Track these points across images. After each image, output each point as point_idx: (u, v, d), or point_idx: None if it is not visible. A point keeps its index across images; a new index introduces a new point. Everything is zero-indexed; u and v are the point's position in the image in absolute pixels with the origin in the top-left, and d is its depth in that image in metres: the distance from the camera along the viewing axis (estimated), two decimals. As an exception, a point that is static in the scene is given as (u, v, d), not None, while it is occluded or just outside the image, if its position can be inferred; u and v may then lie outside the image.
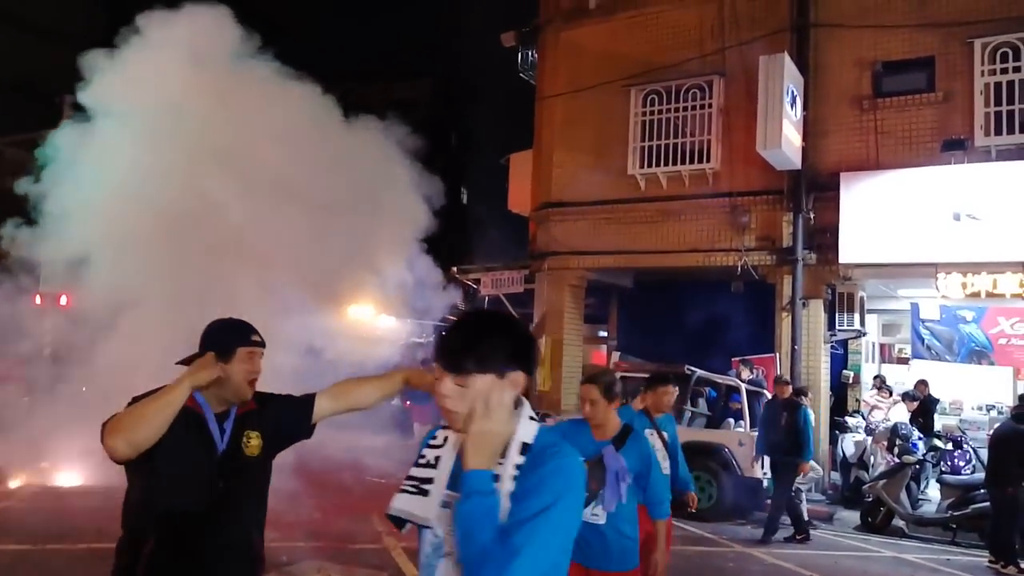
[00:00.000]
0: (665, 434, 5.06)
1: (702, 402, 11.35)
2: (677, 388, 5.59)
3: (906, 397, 11.21)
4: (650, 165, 13.18)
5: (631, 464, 3.64)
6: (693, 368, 10.48)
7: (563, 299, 13.86)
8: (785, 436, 8.88)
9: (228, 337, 2.60)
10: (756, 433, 9.86)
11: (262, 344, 2.67)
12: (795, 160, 11.64)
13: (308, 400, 2.69)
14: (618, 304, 15.51)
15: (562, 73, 14.36)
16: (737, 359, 12.10)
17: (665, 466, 4.71)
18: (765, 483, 9.98)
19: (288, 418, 2.67)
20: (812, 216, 12.00)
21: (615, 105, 13.43)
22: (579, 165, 13.72)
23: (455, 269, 15.95)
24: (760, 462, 9.89)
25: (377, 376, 2.89)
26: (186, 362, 2.56)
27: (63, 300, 11.60)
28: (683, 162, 12.96)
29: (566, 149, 14.04)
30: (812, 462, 9.31)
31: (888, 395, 12.23)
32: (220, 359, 2.51)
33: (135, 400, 2.46)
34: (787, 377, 10.18)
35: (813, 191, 11.97)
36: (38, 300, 11.67)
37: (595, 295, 14.88)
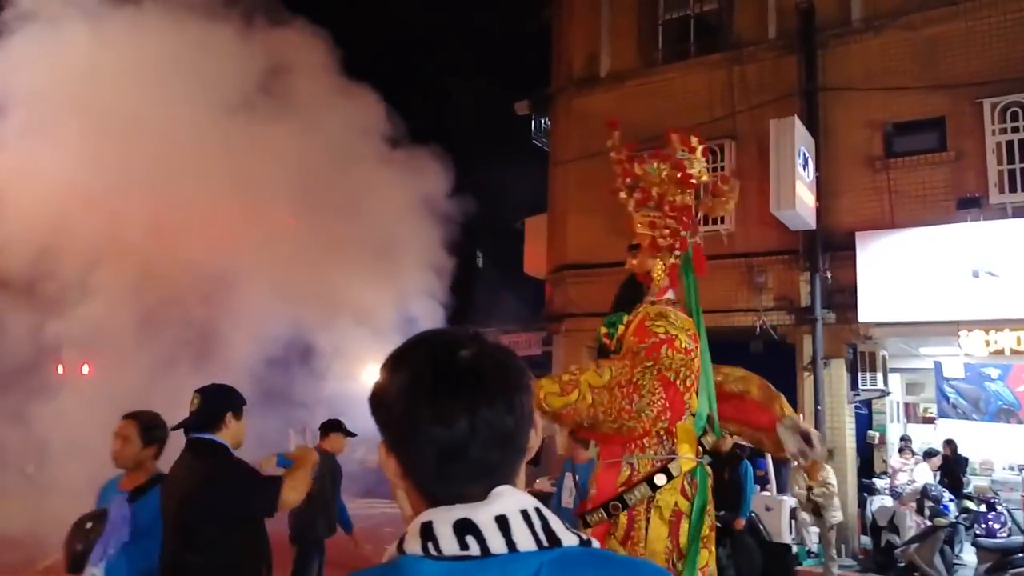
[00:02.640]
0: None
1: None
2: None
3: (927, 455, 11.00)
4: (665, 227, 13.24)
5: (142, 519, 3.22)
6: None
7: (581, 361, 13.77)
8: (727, 492, 8.02)
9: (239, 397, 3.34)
10: (784, 497, 9.68)
11: None
12: (810, 220, 11.69)
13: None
14: (636, 366, 15.41)
15: (574, 139, 14.58)
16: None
17: None
18: (795, 549, 9.75)
19: None
20: (829, 275, 11.99)
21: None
22: (594, 228, 13.81)
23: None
24: (790, 527, 9.70)
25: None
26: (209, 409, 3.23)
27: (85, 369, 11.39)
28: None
29: (580, 212, 14.16)
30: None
31: (910, 456, 12.02)
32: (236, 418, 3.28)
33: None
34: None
35: (829, 250, 11.99)
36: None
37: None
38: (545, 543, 1.01)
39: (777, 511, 9.69)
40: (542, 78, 16.00)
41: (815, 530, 9.98)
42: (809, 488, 9.62)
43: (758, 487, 10.54)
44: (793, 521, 9.94)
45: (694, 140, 3.67)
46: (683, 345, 3.24)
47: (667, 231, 3.52)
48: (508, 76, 17.75)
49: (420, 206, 15.50)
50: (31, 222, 8.02)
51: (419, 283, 15.33)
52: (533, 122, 16.89)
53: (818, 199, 11.90)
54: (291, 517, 6.32)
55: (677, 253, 3.57)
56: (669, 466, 3.08)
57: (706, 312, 12.26)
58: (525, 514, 1.02)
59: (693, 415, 3.27)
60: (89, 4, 8.70)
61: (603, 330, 3.48)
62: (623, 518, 3.05)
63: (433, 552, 0.99)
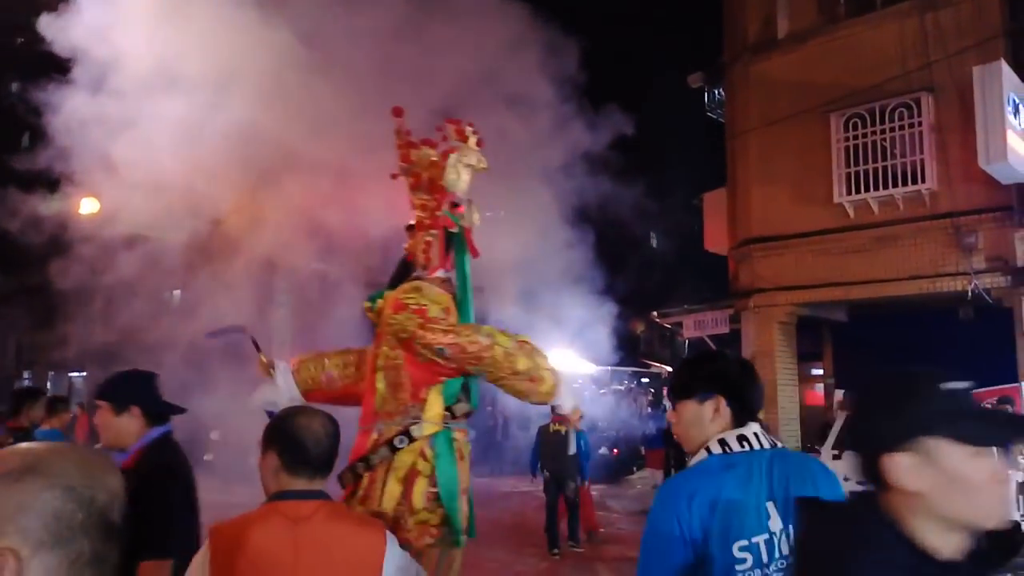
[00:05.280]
0: None
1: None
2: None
3: None
4: (858, 191, 12.58)
5: None
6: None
7: (772, 337, 13.40)
8: None
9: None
10: (1012, 471, 8.98)
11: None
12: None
13: None
14: (832, 339, 14.77)
15: (753, 107, 14.11)
16: (978, 391, 11.13)
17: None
18: (1026, 526, 9.03)
19: None
20: (1051, 231, 10.96)
21: (814, 133, 13.01)
22: (779, 198, 13.35)
23: (655, 314, 15.89)
24: (1018, 504, 9.00)
25: None
26: None
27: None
28: (895, 185, 12.27)
29: (764, 183, 13.70)
30: None
31: None
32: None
33: None
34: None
35: (1049, 203, 10.96)
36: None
37: (805, 332, 14.27)
38: (769, 446, 2.12)
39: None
40: (714, 48, 15.62)
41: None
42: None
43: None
44: (1021, 497, 9.22)
45: (468, 129, 3.81)
46: (432, 315, 3.36)
47: (427, 211, 3.70)
48: (677, 50, 17.46)
49: (590, 187, 15.61)
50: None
51: (586, 264, 15.48)
52: (707, 94, 16.49)
53: (1034, 148, 10.89)
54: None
55: (433, 232, 3.68)
56: (411, 429, 3.23)
57: (909, 279, 11.57)
58: (760, 432, 2.14)
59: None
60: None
61: (366, 305, 3.62)
62: (366, 479, 3.20)
63: (727, 450, 2.08)
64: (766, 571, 1.92)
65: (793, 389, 13.63)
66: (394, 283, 3.64)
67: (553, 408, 11.22)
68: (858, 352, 13.79)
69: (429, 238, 3.64)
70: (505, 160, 13.01)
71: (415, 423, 3.26)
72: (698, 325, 14.81)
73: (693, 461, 2.10)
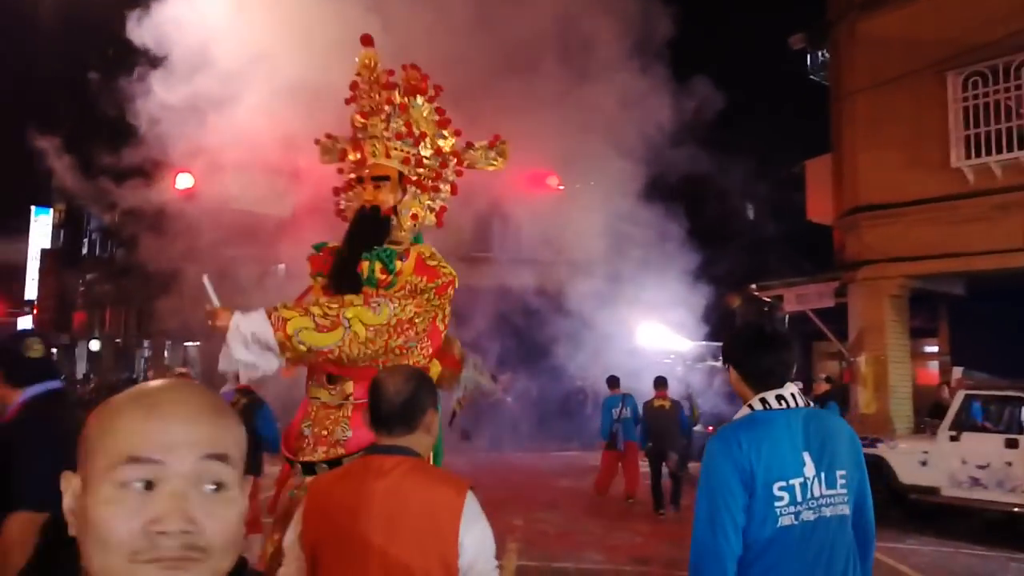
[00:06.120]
0: None
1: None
2: None
3: None
4: (978, 155, 11.69)
5: None
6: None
7: (882, 312, 12.67)
8: None
9: None
10: None
11: None
12: None
13: None
14: (948, 314, 13.91)
15: (861, 68, 13.29)
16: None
17: None
18: None
19: None
20: None
21: (928, 94, 12.15)
22: (890, 164, 12.54)
23: (753, 287, 15.32)
24: None
25: None
26: None
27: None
28: (1020, 148, 11.35)
29: (873, 148, 12.91)
30: None
31: None
32: None
33: None
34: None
35: None
36: None
37: (917, 306, 13.47)
38: (803, 405, 2.43)
39: None
40: (816, 6, 14.78)
41: None
42: None
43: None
44: None
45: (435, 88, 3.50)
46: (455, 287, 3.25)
47: (425, 171, 3.41)
48: (776, 10, 16.61)
49: (683, 158, 15.14)
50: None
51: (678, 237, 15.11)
52: (809, 56, 15.65)
53: None
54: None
55: (444, 196, 3.48)
56: None
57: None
58: (797, 393, 2.44)
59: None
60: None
61: (377, 265, 3.21)
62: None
63: (766, 407, 2.40)
64: (799, 508, 2.29)
65: (905, 367, 12.88)
66: (371, 239, 3.26)
67: (657, 383, 11.08)
68: (977, 329, 12.95)
69: (441, 202, 3.48)
70: (599, 130, 12.80)
71: None
72: (800, 299, 14.17)
73: (737, 415, 2.48)
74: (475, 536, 2.03)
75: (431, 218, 3.44)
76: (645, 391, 11.43)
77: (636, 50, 12.81)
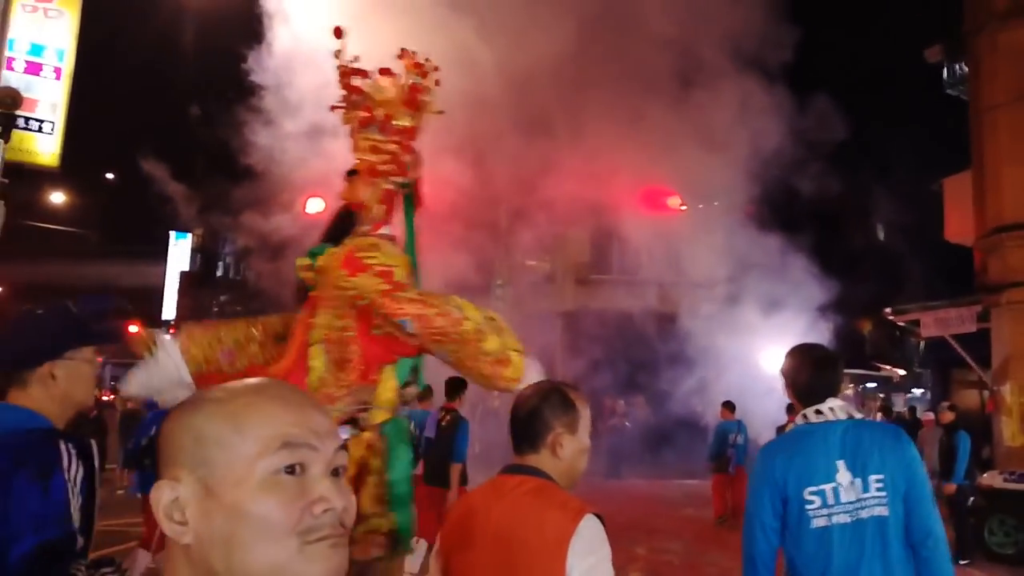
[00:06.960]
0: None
1: None
2: None
3: None
4: None
5: None
6: None
7: (1030, 338, 11.85)
8: (945, 459, 9.14)
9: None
10: None
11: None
12: None
13: None
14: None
15: (1003, 80, 12.60)
16: None
17: None
18: None
19: None
20: None
21: (1082, 105, 11.37)
22: (1038, 181, 11.78)
23: (888, 311, 14.63)
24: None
25: None
26: None
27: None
28: None
29: (1017, 164, 12.18)
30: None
31: None
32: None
33: None
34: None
35: None
36: None
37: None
38: (845, 417, 2.63)
39: None
40: (953, 18, 14.11)
41: None
42: None
43: None
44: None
45: (428, 63, 3.17)
46: (398, 279, 2.81)
47: (387, 155, 3.09)
48: (911, 22, 15.95)
49: (812, 175, 14.65)
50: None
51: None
52: (946, 69, 14.92)
53: None
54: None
55: (395, 180, 3.11)
56: (359, 417, 2.77)
57: None
58: (837, 407, 2.65)
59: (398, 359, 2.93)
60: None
61: (304, 262, 2.97)
62: None
63: (807, 421, 2.66)
64: (832, 510, 2.51)
65: (1058, 397, 11.97)
66: (334, 237, 3.04)
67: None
68: None
69: (389, 187, 3.09)
70: (723, 146, 12.63)
71: (364, 409, 2.79)
72: (939, 324, 13.41)
73: (787, 429, 2.98)
74: (587, 566, 1.92)
75: (379, 208, 3.09)
76: (770, 417, 11.08)
77: (764, 66, 12.58)
